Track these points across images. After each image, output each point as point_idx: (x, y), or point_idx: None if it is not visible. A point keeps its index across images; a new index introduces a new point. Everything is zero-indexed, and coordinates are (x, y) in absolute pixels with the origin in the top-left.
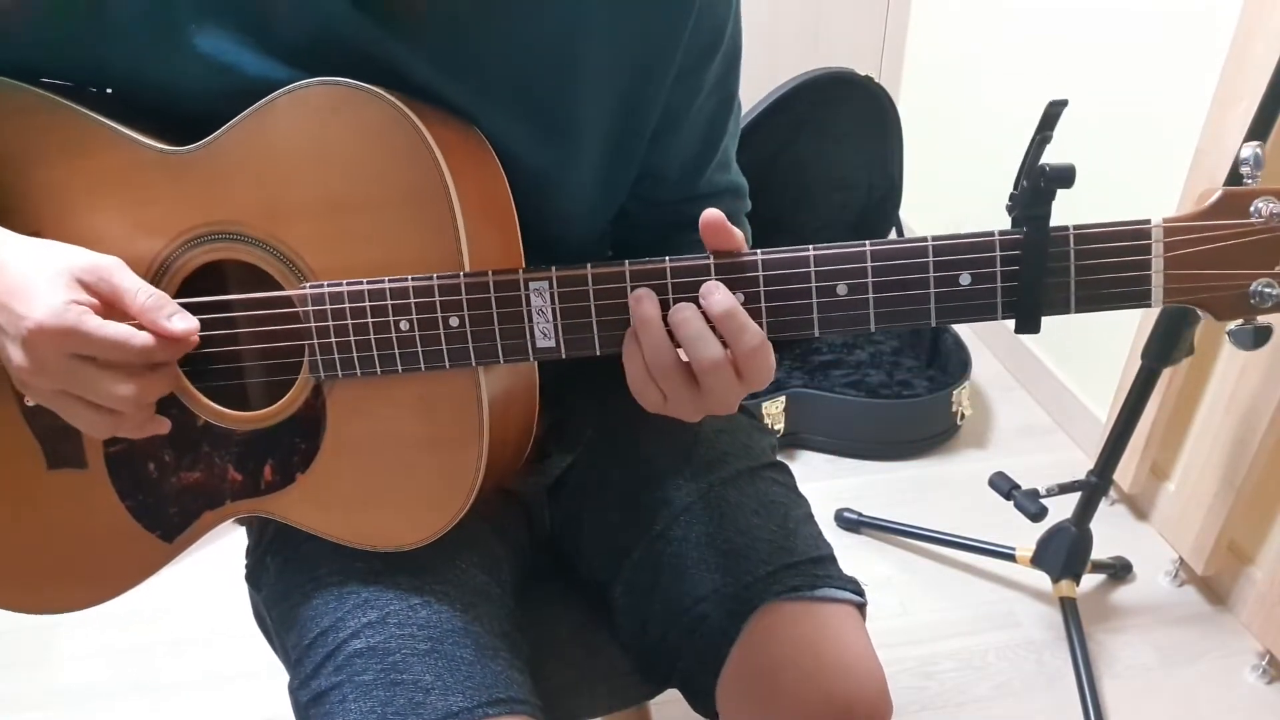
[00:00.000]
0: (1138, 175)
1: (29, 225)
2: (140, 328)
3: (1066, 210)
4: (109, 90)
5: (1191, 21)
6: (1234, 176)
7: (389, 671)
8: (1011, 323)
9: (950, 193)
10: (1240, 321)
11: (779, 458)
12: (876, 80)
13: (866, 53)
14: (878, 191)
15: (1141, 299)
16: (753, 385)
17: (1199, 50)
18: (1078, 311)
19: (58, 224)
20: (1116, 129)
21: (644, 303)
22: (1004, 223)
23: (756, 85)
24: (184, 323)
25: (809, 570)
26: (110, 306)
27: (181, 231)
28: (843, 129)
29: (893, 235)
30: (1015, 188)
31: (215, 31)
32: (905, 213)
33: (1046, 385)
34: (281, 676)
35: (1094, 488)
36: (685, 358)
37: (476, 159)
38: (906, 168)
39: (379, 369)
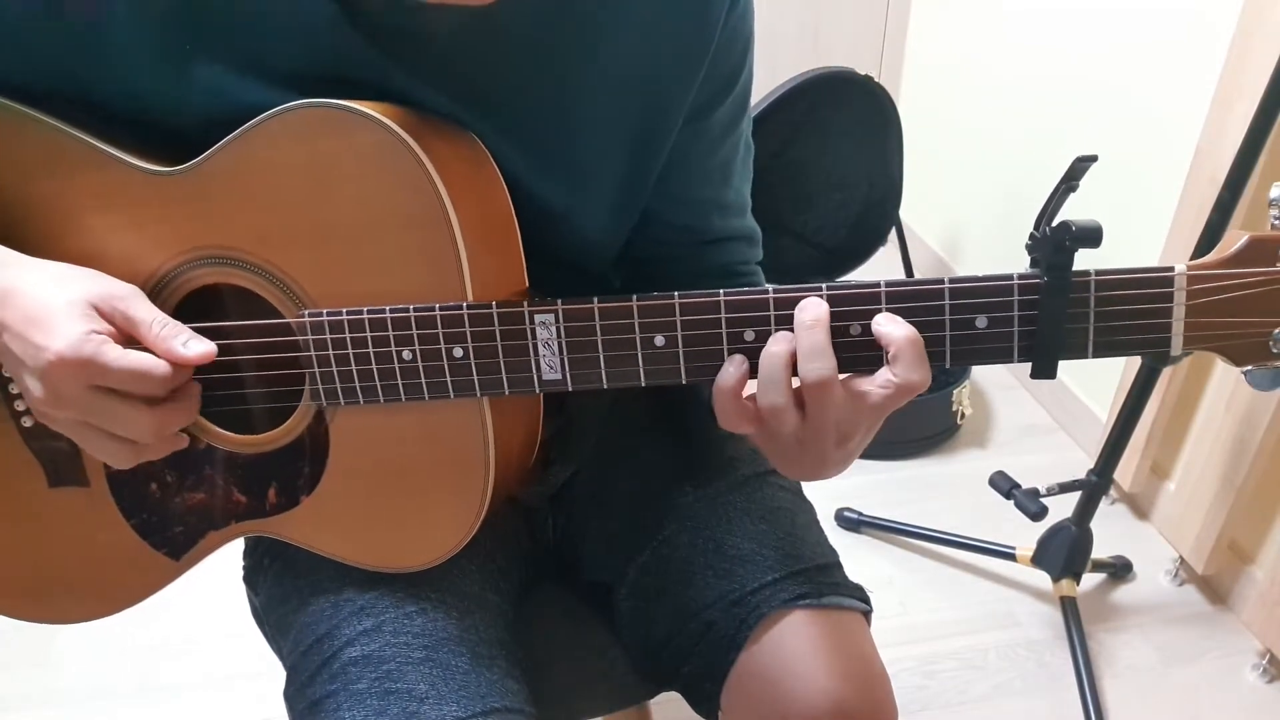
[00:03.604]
0: (1137, 175)
1: (14, 247)
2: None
3: (1065, 210)
4: (89, 104)
5: (1191, 21)
6: (1235, 175)
7: (383, 680)
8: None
9: (950, 192)
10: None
11: None
12: (876, 80)
13: (866, 53)
14: (878, 191)
15: (1160, 345)
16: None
17: (1199, 50)
18: (1095, 356)
19: (44, 246)
20: (1116, 129)
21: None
22: (1002, 222)
23: (756, 85)
24: (200, 347)
25: (815, 578)
26: (125, 334)
27: (175, 255)
28: (843, 129)
29: (892, 236)
30: (1036, 229)
31: (212, 58)
32: (905, 213)
33: (1047, 384)
34: (281, 676)
35: (1094, 487)
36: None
37: (476, 173)
38: (906, 168)
39: (381, 398)
